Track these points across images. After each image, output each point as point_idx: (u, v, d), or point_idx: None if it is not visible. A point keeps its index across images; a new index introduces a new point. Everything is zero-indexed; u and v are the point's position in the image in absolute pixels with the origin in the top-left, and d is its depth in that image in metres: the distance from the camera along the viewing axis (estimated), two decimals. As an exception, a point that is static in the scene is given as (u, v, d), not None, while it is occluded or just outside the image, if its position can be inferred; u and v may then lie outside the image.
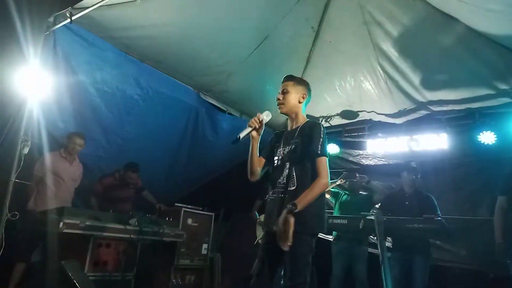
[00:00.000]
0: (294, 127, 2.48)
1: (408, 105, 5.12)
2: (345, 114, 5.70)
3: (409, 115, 5.24)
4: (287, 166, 2.34)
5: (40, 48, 3.46)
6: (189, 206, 4.60)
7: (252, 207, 5.43)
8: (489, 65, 4.22)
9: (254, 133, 2.40)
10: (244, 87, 5.23)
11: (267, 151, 2.58)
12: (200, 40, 4.35)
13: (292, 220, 2.06)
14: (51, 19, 3.54)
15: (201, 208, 4.82)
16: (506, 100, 4.52)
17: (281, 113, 2.49)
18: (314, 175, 2.26)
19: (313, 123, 2.43)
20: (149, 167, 5.05)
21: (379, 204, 4.19)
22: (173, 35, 4.22)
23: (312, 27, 4.75)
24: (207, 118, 5.34)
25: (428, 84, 4.74)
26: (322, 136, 2.31)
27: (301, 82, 2.53)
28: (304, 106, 2.52)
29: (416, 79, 4.71)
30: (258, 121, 2.38)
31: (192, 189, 6.05)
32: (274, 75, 3.93)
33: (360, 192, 4.63)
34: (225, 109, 5.58)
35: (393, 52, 4.57)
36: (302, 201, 2.13)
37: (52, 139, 4.00)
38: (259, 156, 2.50)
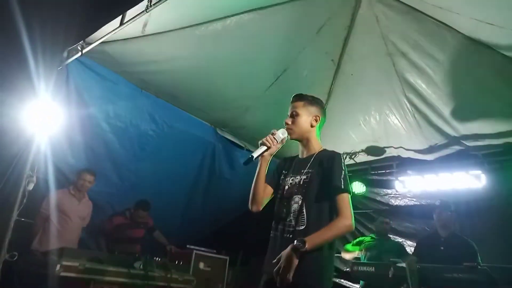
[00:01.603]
0: (306, 155, 2.15)
1: (439, 140, 4.73)
2: (370, 150, 5.36)
3: (441, 151, 4.83)
4: (296, 200, 1.99)
5: (53, 83, 3.42)
6: (202, 249, 4.28)
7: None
8: (528, 96, 3.85)
9: (266, 153, 2.09)
10: (262, 123, 5.02)
11: (275, 178, 2.22)
12: (216, 74, 4.26)
13: (295, 261, 1.74)
14: (65, 54, 3.53)
15: (215, 251, 4.49)
16: (549, 133, 4.09)
17: (291, 139, 2.16)
18: (331, 215, 1.92)
19: (331, 153, 2.07)
20: (163, 206, 4.84)
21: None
22: (189, 69, 4.14)
23: (332, 60, 4.58)
24: (224, 155, 5.15)
25: (461, 117, 4.37)
26: (344, 168, 1.99)
27: (313, 102, 2.18)
28: (318, 130, 2.19)
29: (447, 112, 4.36)
30: (273, 139, 2.08)
31: (209, 230, 5.74)
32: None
33: (389, 236, 4.19)
34: (243, 146, 5.37)
35: (420, 84, 4.28)
36: (313, 240, 1.78)
37: (62, 176, 3.90)
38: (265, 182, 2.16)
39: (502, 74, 3.77)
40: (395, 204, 5.26)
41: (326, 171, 1.98)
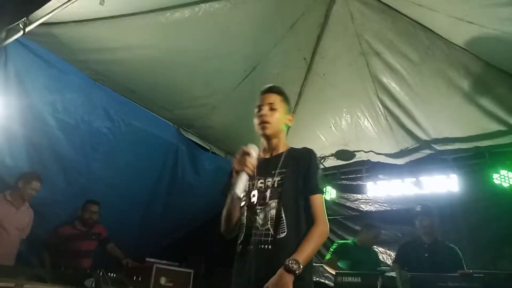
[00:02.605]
0: (274, 154, 1.89)
1: (411, 143, 4.68)
2: (340, 154, 5.18)
3: (412, 155, 4.78)
4: (273, 205, 1.74)
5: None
6: (163, 262, 3.82)
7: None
8: (500, 100, 3.85)
9: (245, 177, 1.70)
10: (230, 123, 4.71)
11: None
12: (181, 68, 3.90)
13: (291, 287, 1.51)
14: (2, 34, 2.99)
15: (177, 264, 4.04)
16: (519, 137, 4.12)
17: (264, 134, 1.85)
18: (307, 218, 1.72)
19: (307, 151, 1.85)
20: (118, 214, 4.36)
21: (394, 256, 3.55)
22: (150, 60, 3.75)
23: (304, 58, 4.37)
24: (188, 158, 4.75)
25: (432, 120, 4.35)
26: (319, 167, 1.81)
27: (287, 99, 1.95)
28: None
29: (419, 115, 4.32)
30: (252, 162, 1.68)
31: (169, 241, 5.28)
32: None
33: (374, 248, 4.01)
34: (208, 148, 5.01)
35: (393, 86, 4.20)
36: (303, 256, 1.58)
37: (-4, 178, 3.30)
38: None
39: (475, 77, 3.76)
40: (365, 209, 5.14)
41: (303, 170, 1.78)
